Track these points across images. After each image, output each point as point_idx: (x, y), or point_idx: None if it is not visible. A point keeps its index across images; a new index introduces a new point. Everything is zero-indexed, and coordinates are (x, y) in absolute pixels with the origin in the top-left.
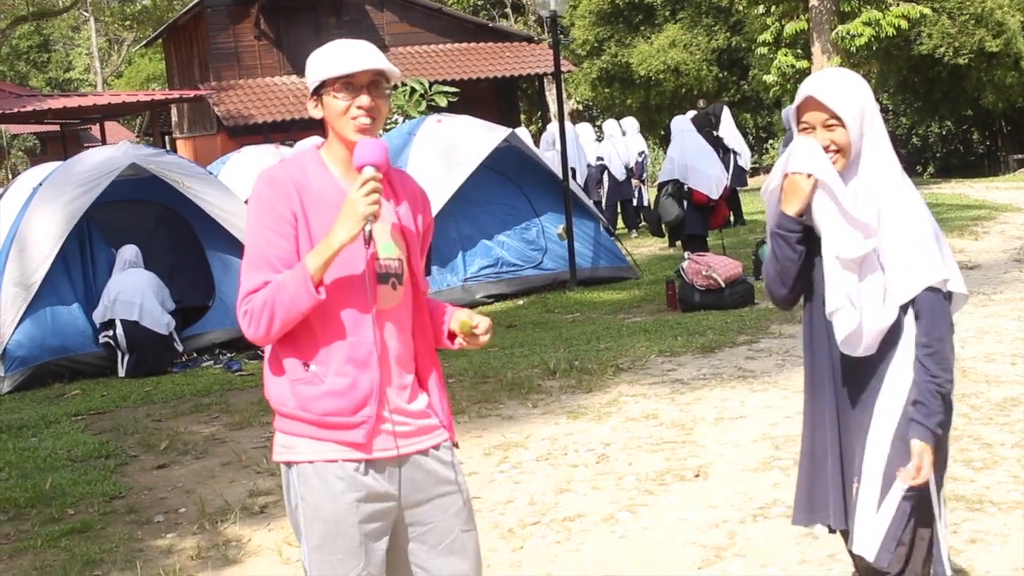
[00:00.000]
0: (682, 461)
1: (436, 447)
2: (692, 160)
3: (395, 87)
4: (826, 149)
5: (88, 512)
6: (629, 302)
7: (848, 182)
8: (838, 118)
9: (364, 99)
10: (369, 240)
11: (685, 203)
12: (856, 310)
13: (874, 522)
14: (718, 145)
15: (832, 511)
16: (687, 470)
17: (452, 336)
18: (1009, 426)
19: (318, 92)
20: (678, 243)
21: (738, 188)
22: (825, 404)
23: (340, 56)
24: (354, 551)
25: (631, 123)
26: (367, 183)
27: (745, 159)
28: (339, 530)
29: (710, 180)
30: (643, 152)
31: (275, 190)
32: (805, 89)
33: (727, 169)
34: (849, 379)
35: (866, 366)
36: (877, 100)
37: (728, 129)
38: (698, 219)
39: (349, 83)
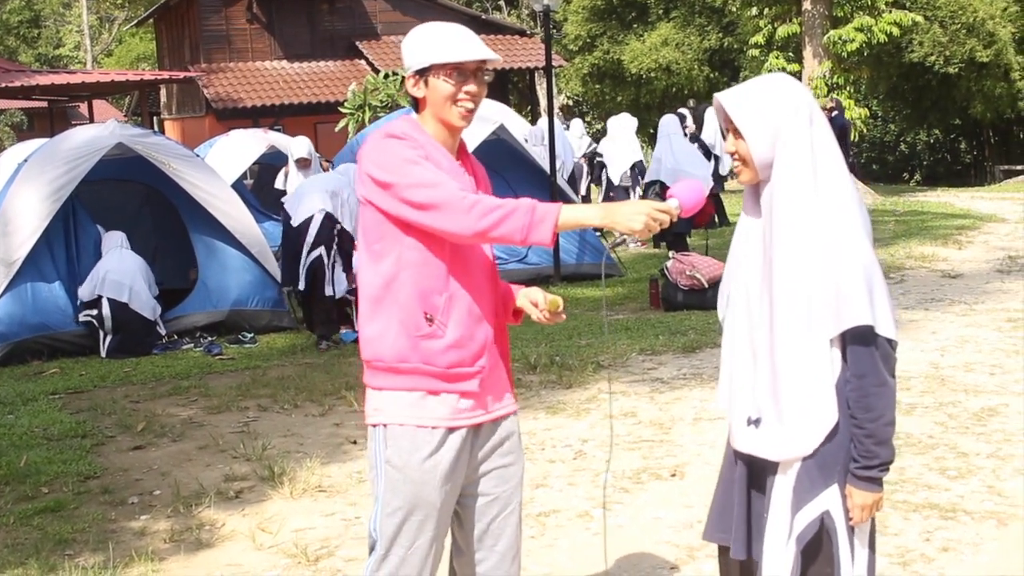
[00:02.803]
0: (659, 460)
1: (507, 416)
2: (681, 163)
3: (387, 75)
4: (732, 155)
5: (62, 491)
6: (612, 299)
7: (760, 196)
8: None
9: (472, 86)
10: (616, 246)
11: None
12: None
13: (783, 556)
14: (698, 146)
15: (734, 540)
16: (663, 469)
17: (517, 313)
18: (985, 436)
19: (422, 73)
20: (663, 244)
21: (719, 191)
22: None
23: (453, 41)
24: (432, 514)
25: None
26: (664, 213)
27: (725, 162)
28: (423, 493)
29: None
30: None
31: (407, 142)
32: (720, 93)
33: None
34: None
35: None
36: (866, 106)
37: (711, 132)
38: (683, 219)
39: (459, 69)
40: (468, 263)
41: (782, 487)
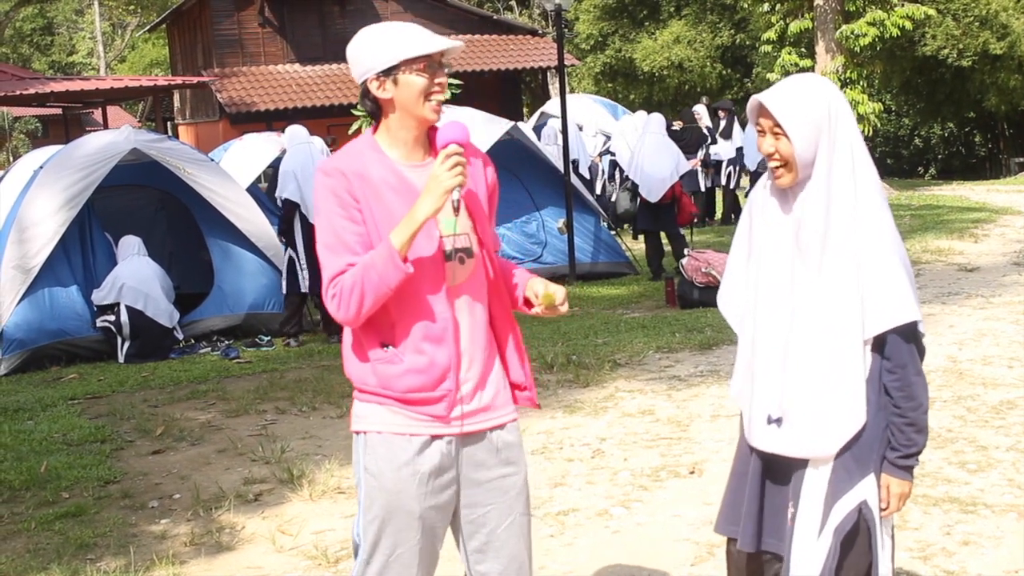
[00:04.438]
0: (677, 458)
1: (502, 426)
2: (643, 161)
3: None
4: (770, 157)
5: (83, 496)
6: (628, 298)
7: (794, 201)
8: (782, 128)
9: (442, 76)
10: (458, 209)
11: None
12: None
13: (815, 548)
14: (697, 143)
15: (742, 532)
16: (682, 466)
17: (527, 302)
18: (1005, 429)
19: (389, 72)
20: (640, 237)
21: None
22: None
23: (416, 35)
24: (412, 524)
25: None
26: (451, 157)
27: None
28: (399, 501)
29: (651, 181)
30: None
31: (335, 179)
32: (759, 94)
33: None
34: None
35: None
36: (880, 101)
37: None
38: (647, 215)
39: (429, 61)
40: (419, 289)
41: (815, 481)
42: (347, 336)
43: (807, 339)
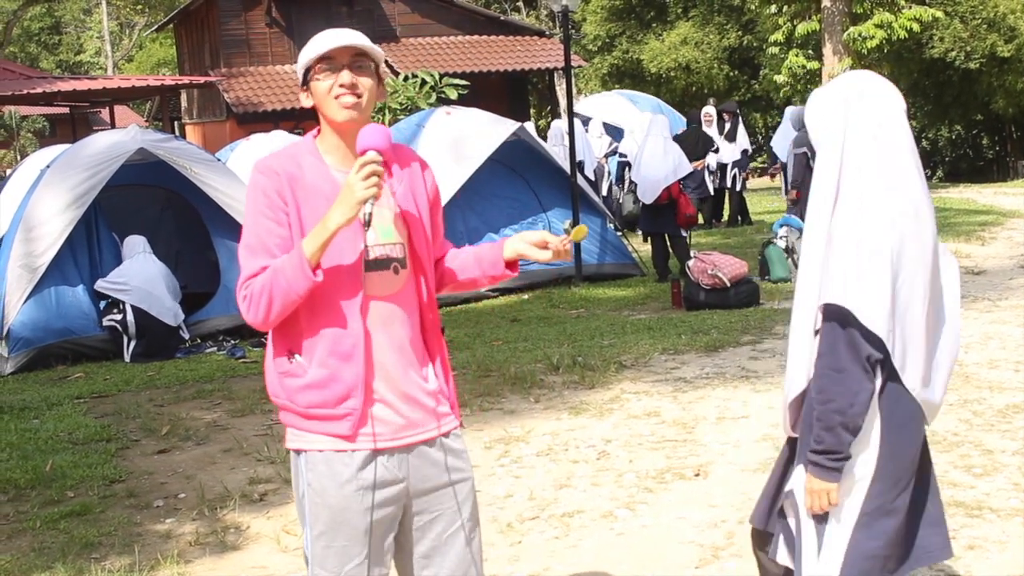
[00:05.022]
0: (682, 460)
1: (446, 435)
2: (642, 162)
3: (406, 77)
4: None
5: (88, 495)
6: (634, 299)
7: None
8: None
9: (345, 76)
10: (368, 223)
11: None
12: None
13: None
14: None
15: (755, 508)
16: (687, 469)
17: (510, 264)
18: (1011, 433)
19: (305, 81)
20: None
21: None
22: None
23: (319, 40)
24: (358, 539)
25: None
26: (366, 166)
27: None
28: (344, 517)
29: (646, 183)
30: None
31: (268, 179)
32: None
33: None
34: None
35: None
36: None
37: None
38: (648, 216)
39: (330, 63)
40: (330, 302)
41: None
42: (268, 344)
43: (795, 310)
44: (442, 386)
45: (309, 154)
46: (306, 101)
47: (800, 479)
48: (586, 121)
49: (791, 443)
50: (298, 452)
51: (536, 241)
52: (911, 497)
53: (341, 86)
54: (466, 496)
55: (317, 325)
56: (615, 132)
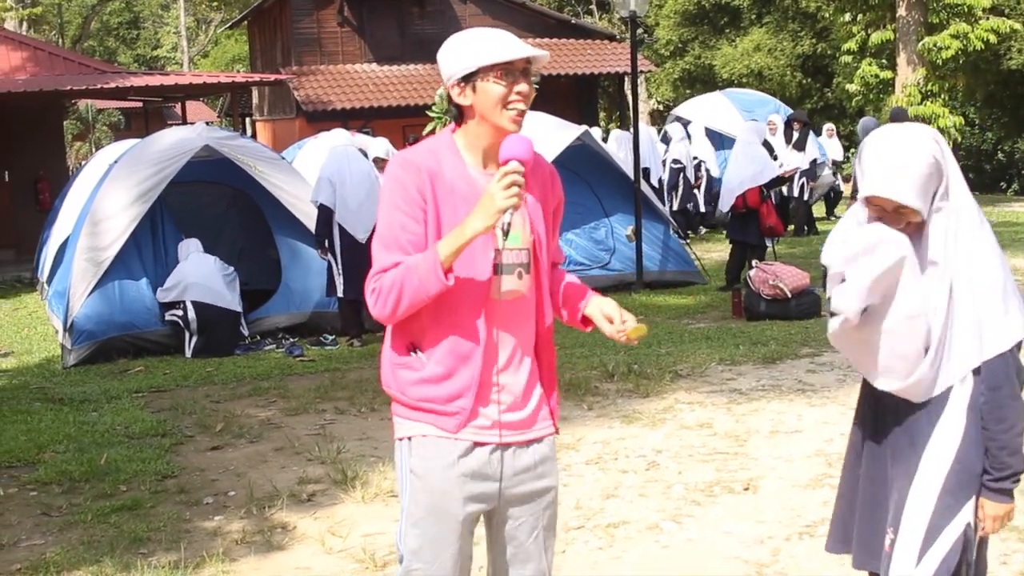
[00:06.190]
0: (732, 473)
1: (541, 439)
2: (727, 169)
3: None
4: (902, 229)
5: (139, 490)
6: (694, 307)
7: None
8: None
9: (523, 86)
10: (507, 232)
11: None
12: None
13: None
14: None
15: (856, 550)
16: (737, 483)
17: (586, 321)
18: None
19: (468, 79)
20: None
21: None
22: (863, 446)
23: (498, 42)
24: (454, 528)
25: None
26: (508, 176)
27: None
28: (444, 504)
29: (724, 190)
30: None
31: (408, 173)
32: (867, 186)
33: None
34: (894, 425)
35: (913, 415)
36: (962, 114)
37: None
38: (735, 223)
39: (508, 69)
40: (457, 303)
41: (918, 509)
42: (386, 335)
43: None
44: (547, 392)
45: (448, 150)
46: (461, 99)
47: (970, 512)
48: (686, 124)
49: (871, 469)
50: (404, 439)
51: (609, 314)
52: None
53: (518, 94)
54: (548, 504)
55: (440, 324)
56: (715, 137)
